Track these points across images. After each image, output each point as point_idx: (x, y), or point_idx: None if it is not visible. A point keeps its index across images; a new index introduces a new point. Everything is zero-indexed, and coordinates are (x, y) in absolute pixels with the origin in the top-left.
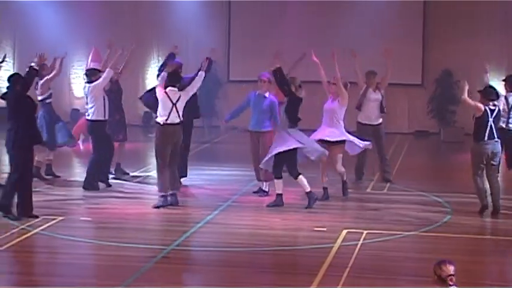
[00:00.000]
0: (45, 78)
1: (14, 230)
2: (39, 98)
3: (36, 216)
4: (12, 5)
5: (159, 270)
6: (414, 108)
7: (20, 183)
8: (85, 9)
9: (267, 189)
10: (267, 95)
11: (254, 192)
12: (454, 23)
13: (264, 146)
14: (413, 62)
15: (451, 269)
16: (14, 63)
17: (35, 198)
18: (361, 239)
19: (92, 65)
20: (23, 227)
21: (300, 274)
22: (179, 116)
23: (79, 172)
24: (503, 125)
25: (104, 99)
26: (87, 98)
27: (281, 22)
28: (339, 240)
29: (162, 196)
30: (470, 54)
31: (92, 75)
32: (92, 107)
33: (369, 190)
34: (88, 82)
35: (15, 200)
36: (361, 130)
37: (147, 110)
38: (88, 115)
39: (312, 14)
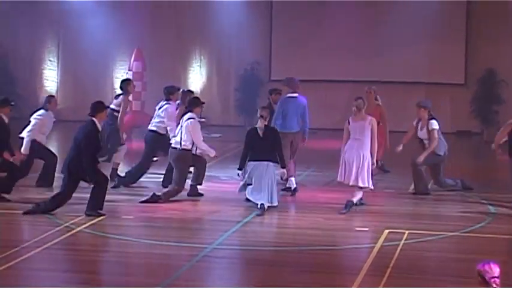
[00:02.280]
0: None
1: (58, 228)
2: (113, 106)
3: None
4: (55, 5)
5: (200, 269)
6: (457, 108)
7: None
8: (128, 10)
9: (294, 185)
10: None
11: (282, 189)
12: (498, 22)
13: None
14: (456, 62)
15: (495, 270)
16: (58, 64)
17: (80, 195)
18: (403, 239)
19: (134, 65)
20: (66, 224)
21: (342, 274)
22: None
23: (120, 171)
24: None
25: None
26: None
27: (322, 22)
28: (381, 240)
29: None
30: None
31: (169, 93)
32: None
33: (410, 190)
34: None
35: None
36: None
37: None
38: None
39: (353, 14)
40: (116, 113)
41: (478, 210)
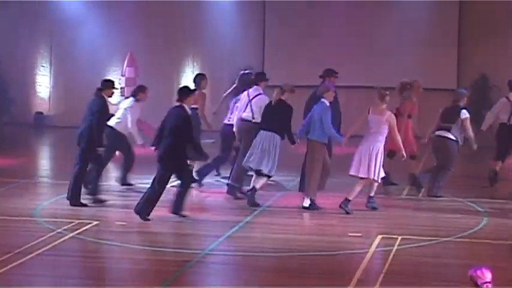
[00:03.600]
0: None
1: (51, 234)
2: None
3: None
4: (48, 10)
5: (193, 275)
6: None
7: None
8: (121, 15)
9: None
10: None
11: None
12: (491, 27)
13: None
14: (449, 66)
15: (487, 276)
16: (50, 69)
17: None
18: (396, 244)
19: (127, 70)
20: (59, 230)
21: (335, 279)
22: None
23: (113, 176)
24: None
25: None
26: None
27: (315, 26)
28: (374, 246)
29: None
30: (507, 58)
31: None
32: None
33: (403, 196)
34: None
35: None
36: None
37: None
38: None
39: (346, 17)
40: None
41: (471, 215)
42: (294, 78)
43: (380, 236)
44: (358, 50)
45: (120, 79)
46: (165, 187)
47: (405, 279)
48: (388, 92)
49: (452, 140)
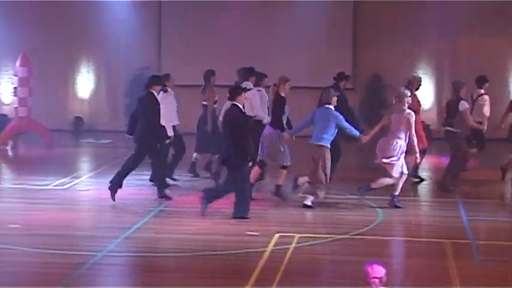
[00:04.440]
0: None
1: None
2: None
3: None
4: None
5: (90, 277)
6: None
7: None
8: (14, 14)
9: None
10: None
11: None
12: (384, 27)
13: None
14: (344, 66)
15: (378, 271)
16: None
17: None
18: (293, 242)
19: (20, 70)
20: None
21: (232, 279)
22: None
23: (6, 178)
24: None
25: None
26: None
27: (212, 25)
28: (271, 245)
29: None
30: (400, 58)
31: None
32: None
33: (300, 194)
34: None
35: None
36: None
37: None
38: None
39: (243, 17)
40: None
41: (367, 213)
42: (191, 78)
43: (277, 235)
44: (254, 50)
45: (11, 78)
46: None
47: (303, 277)
48: (408, 92)
49: (457, 132)
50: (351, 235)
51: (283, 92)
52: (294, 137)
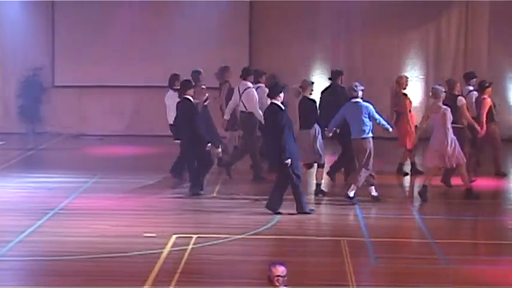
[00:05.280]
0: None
1: None
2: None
3: None
4: None
5: None
6: None
7: None
8: None
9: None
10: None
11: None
12: (281, 26)
13: None
14: (240, 66)
15: (279, 270)
16: None
17: None
18: (191, 243)
19: None
20: None
21: (130, 281)
22: None
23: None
24: None
25: None
26: None
27: (106, 24)
28: (169, 246)
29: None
30: (296, 58)
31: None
32: None
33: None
34: None
35: None
36: None
37: None
38: None
39: (138, 16)
40: None
41: (262, 212)
42: (84, 78)
43: (175, 236)
44: (149, 50)
45: None
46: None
47: (200, 278)
48: (444, 90)
49: (460, 127)
50: (248, 235)
51: (309, 95)
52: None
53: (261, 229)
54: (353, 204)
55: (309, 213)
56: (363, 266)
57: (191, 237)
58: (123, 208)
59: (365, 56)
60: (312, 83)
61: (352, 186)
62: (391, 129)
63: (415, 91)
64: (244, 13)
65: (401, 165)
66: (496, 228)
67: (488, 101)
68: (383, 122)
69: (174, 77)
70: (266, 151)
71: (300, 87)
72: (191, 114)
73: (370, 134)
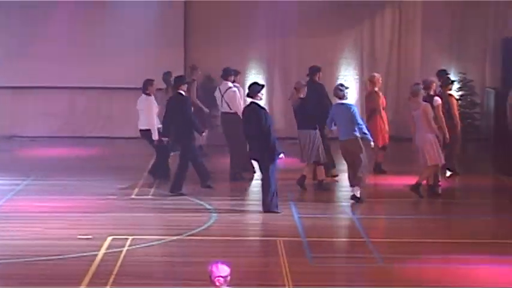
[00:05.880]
0: None
1: None
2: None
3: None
4: None
5: None
6: None
7: None
8: None
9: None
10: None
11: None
12: (216, 26)
13: None
14: (175, 67)
15: (222, 270)
16: None
17: None
18: (127, 245)
19: None
20: None
21: (64, 284)
22: None
23: None
24: None
25: None
26: None
27: (42, 24)
28: (104, 248)
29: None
30: (231, 58)
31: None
32: None
33: (133, 196)
34: None
35: None
36: None
37: None
38: None
39: (72, 16)
40: None
41: (201, 213)
42: (17, 79)
43: (110, 238)
44: (83, 50)
45: None
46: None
47: (136, 279)
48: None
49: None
50: (185, 236)
51: (303, 94)
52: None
53: (197, 230)
54: (357, 203)
55: (278, 212)
56: (300, 266)
57: (127, 238)
58: (57, 210)
59: (300, 55)
60: (305, 85)
61: (356, 188)
62: (372, 144)
63: (350, 90)
64: (179, 13)
65: (378, 164)
66: (431, 227)
67: (454, 99)
68: (365, 130)
69: (147, 82)
70: (250, 151)
71: (295, 88)
72: (185, 107)
73: (358, 134)
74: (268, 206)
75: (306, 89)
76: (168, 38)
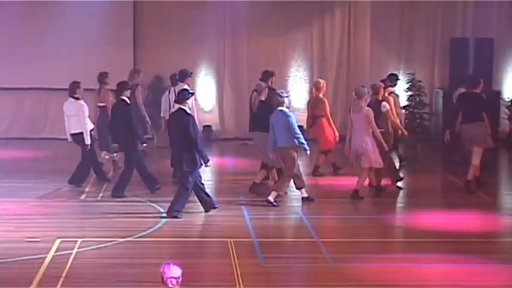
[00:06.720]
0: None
1: None
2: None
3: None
4: None
5: None
6: None
7: None
8: None
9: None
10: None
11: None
12: (166, 26)
13: None
14: (125, 67)
15: (174, 271)
16: None
17: None
18: (76, 247)
19: None
20: None
21: (12, 287)
22: None
23: None
24: None
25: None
26: None
27: None
28: (53, 250)
29: None
30: (180, 59)
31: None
32: None
33: (82, 198)
34: None
35: None
36: None
37: None
38: None
39: (25, 15)
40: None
41: (150, 215)
42: None
43: (59, 240)
44: (33, 49)
45: None
46: None
47: (86, 281)
48: (367, 91)
49: (383, 132)
50: (135, 238)
51: (264, 97)
52: None
53: (147, 232)
54: (272, 206)
55: (177, 217)
56: (250, 267)
57: (76, 241)
58: (4, 213)
59: (250, 56)
60: (267, 87)
61: (273, 192)
62: (308, 152)
63: (300, 92)
64: (128, 13)
65: (317, 167)
66: (380, 227)
67: (391, 99)
68: (302, 140)
69: (74, 85)
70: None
71: (255, 90)
72: (127, 115)
73: (296, 143)
74: (171, 211)
75: (267, 91)
76: (117, 38)
